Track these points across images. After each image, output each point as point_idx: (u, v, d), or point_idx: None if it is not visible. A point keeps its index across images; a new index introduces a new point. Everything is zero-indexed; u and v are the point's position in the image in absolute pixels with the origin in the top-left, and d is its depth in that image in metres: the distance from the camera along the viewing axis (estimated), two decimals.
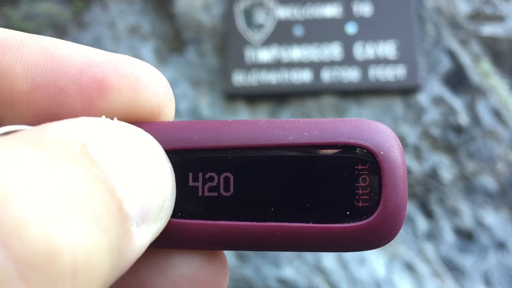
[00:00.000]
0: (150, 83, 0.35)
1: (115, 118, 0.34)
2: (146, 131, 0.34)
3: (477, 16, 5.39)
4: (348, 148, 0.37)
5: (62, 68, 0.34)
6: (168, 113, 0.37)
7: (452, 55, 3.94)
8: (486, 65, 4.43)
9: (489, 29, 5.41)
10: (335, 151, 0.37)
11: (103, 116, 0.35)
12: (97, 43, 3.75)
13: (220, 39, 3.87)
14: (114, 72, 0.34)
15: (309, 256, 3.31)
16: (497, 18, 5.48)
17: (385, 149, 0.36)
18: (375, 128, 0.38)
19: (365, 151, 0.37)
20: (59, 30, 3.90)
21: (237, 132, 0.37)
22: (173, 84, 3.68)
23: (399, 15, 3.73)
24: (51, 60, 0.34)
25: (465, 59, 4.09)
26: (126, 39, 3.81)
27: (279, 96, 3.66)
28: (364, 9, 3.75)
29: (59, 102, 0.35)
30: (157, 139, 0.35)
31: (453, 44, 4.06)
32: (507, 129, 4.00)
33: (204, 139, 0.37)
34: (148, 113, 0.35)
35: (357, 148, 0.37)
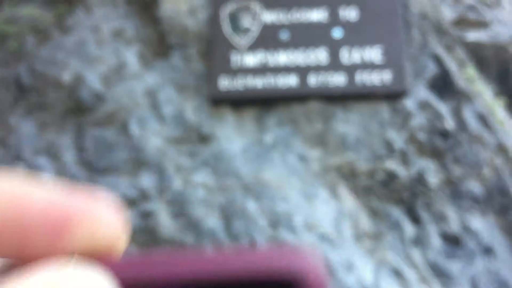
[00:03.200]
0: (109, 221, 0.35)
1: (74, 257, 0.35)
2: (103, 268, 0.35)
3: (462, 22, 5.45)
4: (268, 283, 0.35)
5: (25, 209, 0.35)
6: (122, 246, 0.39)
7: (438, 61, 3.97)
8: (471, 71, 4.47)
9: (473, 35, 5.47)
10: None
11: (65, 259, 0.36)
12: (80, 47, 3.71)
13: (205, 43, 3.86)
14: (76, 212, 0.35)
15: None
16: (481, 24, 5.54)
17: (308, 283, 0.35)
18: (300, 260, 0.36)
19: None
20: (41, 34, 3.86)
21: (183, 268, 0.37)
22: (157, 89, 3.66)
23: (385, 20, 3.75)
24: (13, 201, 0.35)
25: (451, 64, 4.13)
26: (110, 43, 3.78)
27: (265, 101, 3.66)
28: (350, 14, 3.76)
29: (23, 241, 0.35)
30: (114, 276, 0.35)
31: (439, 49, 4.10)
32: (493, 134, 4.04)
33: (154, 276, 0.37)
34: (106, 247, 0.37)
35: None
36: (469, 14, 5.60)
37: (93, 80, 3.57)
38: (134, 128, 3.40)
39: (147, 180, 3.24)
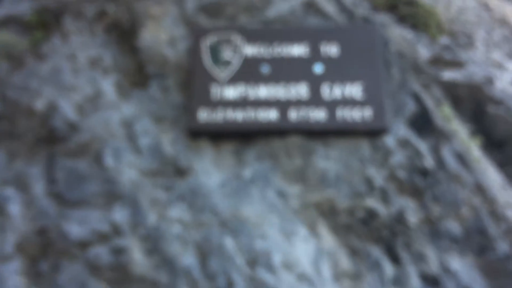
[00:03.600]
0: None
1: None
2: None
3: (437, 62, 5.50)
4: None
5: None
6: None
7: (416, 98, 3.98)
8: (447, 110, 4.48)
9: (448, 75, 5.51)
10: None
11: None
12: (55, 75, 3.59)
13: (185, 75, 3.78)
14: None
15: None
16: (456, 64, 5.61)
17: None
18: None
19: None
20: (15, 61, 3.73)
21: None
22: (134, 119, 3.55)
23: (365, 57, 3.75)
24: None
25: (429, 102, 4.13)
26: (87, 71, 3.67)
27: (245, 135, 3.58)
28: (331, 50, 3.75)
29: None
30: None
31: (417, 87, 4.11)
32: (470, 173, 4.03)
33: None
34: None
35: None
36: (444, 54, 5.67)
37: (67, 109, 3.44)
38: (109, 160, 3.27)
39: (120, 214, 3.10)
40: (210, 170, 3.43)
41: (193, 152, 3.49)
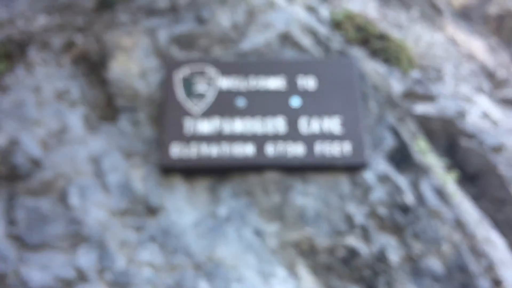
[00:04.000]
0: None
1: None
2: None
3: (410, 96, 5.50)
4: None
5: None
6: None
7: (394, 132, 3.89)
8: (423, 143, 4.42)
9: (421, 108, 5.51)
10: None
11: None
12: (18, 109, 3.38)
13: (156, 108, 3.61)
14: None
15: None
16: (428, 98, 5.61)
17: None
18: None
19: None
20: None
21: None
22: (102, 155, 3.33)
23: (343, 91, 3.66)
24: None
25: (406, 136, 4.05)
26: (52, 104, 3.47)
27: (220, 171, 3.41)
28: (308, 83, 3.64)
29: None
30: None
31: (393, 121, 4.02)
32: (450, 209, 3.94)
33: None
34: None
35: None
36: (416, 88, 5.67)
37: (30, 144, 3.22)
38: (74, 198, 3.04)
39: (85, 258, 2.85)
40: (183, 209, 3.24)
41: (165, 189, 3.30)
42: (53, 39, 3.92)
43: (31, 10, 4.40)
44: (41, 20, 4.16)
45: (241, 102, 3.54)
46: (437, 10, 8.50)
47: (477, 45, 8.29)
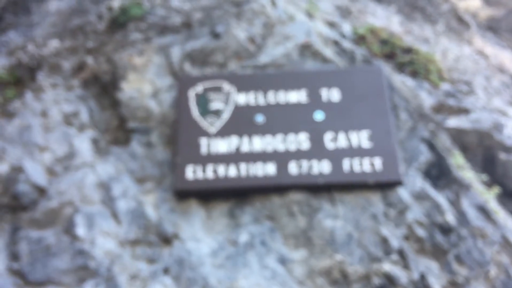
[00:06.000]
0: None
1: None
2: None
3: (442, 109, 5.07)
4: None
5: None
6: None
7: (430, 146, 3.47)
8: (460, 158, 4.00)
9: (454, 122, 5.08)
10: None
11: None
12: (24, 134, 3.10)
13: (170, 128, 3.30)
14: None
15: None
16: (462, 111, 5.18)
17: None
18: None
19: None
20: None
21: None
22: (112, 180, 3.01)
23: (371, 102, 3.28)
24: None
25: (442, 150, 3.62)
26: (60, 129, 3.18)
27: (239, 193, 3.05)
28: (333, 95, 3.29)
29: None
30: None
31: (427, 134, 3.60)
32: (495, 228, 3.48)
33: None
34: None
35: None
36: (448, 101, 5.25)
37: (35, 171, 2.92)
38: (80, 228, 2.71)
39: None
40: (200, 236, 2.88)
41: (180, 216, 2.95)
42: (63, 62, 3.68)
43: (43, 35, 4.19)
44: (53, 44, 3.93)
45: (260, 118, 3.19)
46: (463, 23, 8.08)
47: (506, 57, 7.83)
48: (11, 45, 4.39)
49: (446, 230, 3.15)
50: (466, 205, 3.46)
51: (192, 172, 3.03)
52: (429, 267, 3.06)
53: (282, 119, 3.19)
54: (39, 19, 4.76)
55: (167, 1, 4.05)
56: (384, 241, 2.92)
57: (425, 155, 3.38)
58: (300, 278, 2.78)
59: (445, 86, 5.69)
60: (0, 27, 5.04)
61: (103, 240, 2.70)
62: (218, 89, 3.32)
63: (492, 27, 8.46)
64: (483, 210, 3.55)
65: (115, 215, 2.83)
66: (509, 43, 8.34)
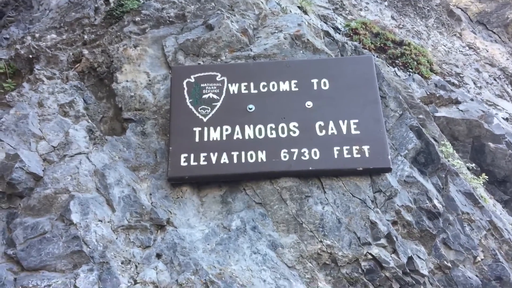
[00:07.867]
0: None
1: None
2: None
3: (432, 99, 5.06)
4: None
5: None
6: None
7: (418, 134, 3.43)
8: (448, 146, 3.98)
9: (444, 111, 5.07)
10: None
11: None
12: (20, 124, 3.06)
13: (164, 118, 3.27)
14: None
15: None
16: (451, 101, 5.16)
17: None
18: None
19: None
20: None
21: None
22: (107, 168, 2.98)
23: (361, 91, 3.24)
24: None
25: (430, 138, 3.59)
26: (56, 118, 3.15)
27: (232, 180, 3.02)
28: (323, 84, 3.25)
29: None
30: None
31: (416, 123, 3.57)
32: (483, 213, 3.46)
33: None
34: None
35: None
36: (438, 92, 5.22)
37: (31, 159, 2.89)
38: (75, 215, 2.69)
39: (87, 280, 2.48)
40: (193, 222, 2.86)
41: (174, 202, 2.93)
42: (60, 54, 3.64)
43: (42, 29, 4.15)
44: (50, 37, 3.90)
45: (252, 107, 3.16)
46: (454, 17, 8.04)
47: (496, 50, 7.78)
48: (11, 39, 4.36)
49: (433, 215, 3.12)
50: (453, 191, 3.44)
51: (185, 160, 3.00)
52: (417, 251, 3.04)
53: (273, 108, 3.16)
54: (39, 14, 4.73)
55: None
56: (373, 226, 2.90)
57: (413, 143, 3.35)
58: (291, 262, 2.76)
59: (435, 78, 5.67)
60: (2, 22, 5.01)
61: (97, 227, 2.68)
62: (211, 79, 3.29)
63: (482, 21, 8.43)
64: (471, 197, 3.52)
65: (109, 202, 2.80)
66: (499, 36, 8.30)
